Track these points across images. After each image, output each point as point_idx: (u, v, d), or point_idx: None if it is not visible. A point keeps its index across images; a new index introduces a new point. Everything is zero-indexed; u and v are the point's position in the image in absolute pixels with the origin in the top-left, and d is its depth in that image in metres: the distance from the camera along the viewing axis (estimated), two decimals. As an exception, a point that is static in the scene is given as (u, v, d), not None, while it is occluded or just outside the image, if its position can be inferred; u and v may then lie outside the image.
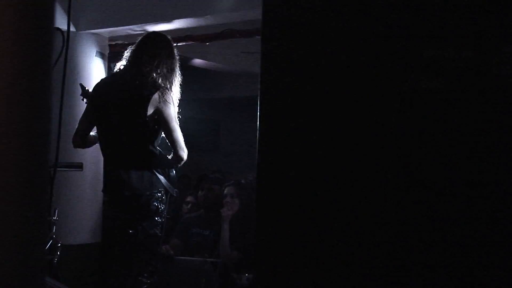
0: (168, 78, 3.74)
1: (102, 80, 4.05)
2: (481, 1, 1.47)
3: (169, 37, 3.91)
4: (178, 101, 3.84)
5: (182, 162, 3.76)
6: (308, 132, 1.60)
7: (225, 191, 5.58)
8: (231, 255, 5.11)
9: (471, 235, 1.47)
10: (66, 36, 2.67)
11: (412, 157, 1.51)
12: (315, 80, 1.60)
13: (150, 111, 3.63)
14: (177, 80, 3.81)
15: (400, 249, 1.51)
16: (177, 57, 3.86)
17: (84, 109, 3.95)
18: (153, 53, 3.74)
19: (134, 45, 3.86)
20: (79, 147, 3.94)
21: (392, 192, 1.52)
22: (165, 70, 3.73)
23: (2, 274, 1.08)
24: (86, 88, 3.99)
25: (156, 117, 3.65)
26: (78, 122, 3.91)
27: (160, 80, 3.69)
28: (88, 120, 3.87)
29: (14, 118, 0.98)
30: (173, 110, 3.69)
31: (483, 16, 1.46)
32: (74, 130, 3.88)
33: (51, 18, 1.12)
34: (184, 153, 3.72)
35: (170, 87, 3.74)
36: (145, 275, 3.68)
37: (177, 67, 3.83)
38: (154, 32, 4.03)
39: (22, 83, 1.00)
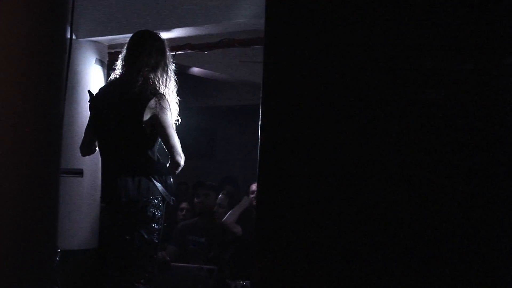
0: (164, 82, 3.75)
1: (100, 89, 4.06)
2: (482, 14, 1.49)
3: (161, 36, 3.88)
4: (178, 108, 3.85)
5: (180, 168, 3.73)
6: (310, 140, 1.62)
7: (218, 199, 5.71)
8: (235, 227, 5.21)
9: (467, 243, 1.49)
10: (69, 44, 2.70)
11: (412, 166, 1.53)
12: (317, 89, 1.62)
13: (146, 117, 3.64)
14: (172, 83, 3.81)
15: (403, 255, 1.52)
16: (171, 58, 3.86)
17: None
18: (147, 57, 3.73)
19: (126, 47, 3.83)
20: (88, 155, 3.99)
21: (394, 207, 1.54)
22: (159, 75, 3.74)
23: (11, 280, 1.11)
24: (94, 95, 3.99)
25: (153, 123, 3.67)
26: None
27: (156, 85, 3.70)
28: (91, 130, 3.89)
29: (29, 122, 1.00)
30: (170, 116, 3.69)
31: (484, 28, 1.48)
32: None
33: (65, 25, 1.14)
34: (181, 159, 3.69)
35: (166, 86, 3.74)
36: (142, 281, 3.69)
37: (171, 68, 3.82)
38: (146, 32, 3.91)
39: (37, 87, 1.02)
